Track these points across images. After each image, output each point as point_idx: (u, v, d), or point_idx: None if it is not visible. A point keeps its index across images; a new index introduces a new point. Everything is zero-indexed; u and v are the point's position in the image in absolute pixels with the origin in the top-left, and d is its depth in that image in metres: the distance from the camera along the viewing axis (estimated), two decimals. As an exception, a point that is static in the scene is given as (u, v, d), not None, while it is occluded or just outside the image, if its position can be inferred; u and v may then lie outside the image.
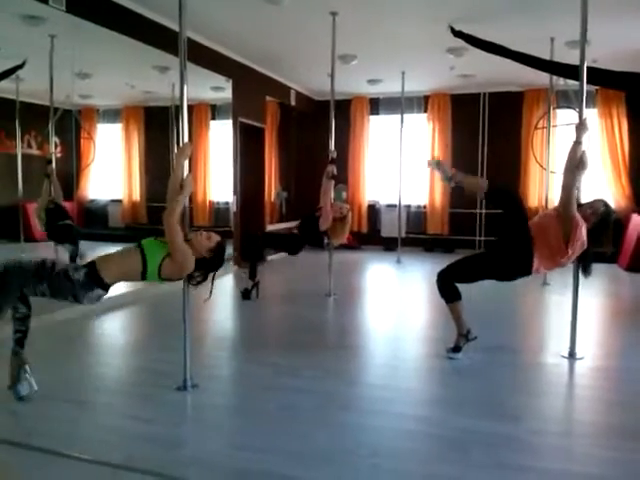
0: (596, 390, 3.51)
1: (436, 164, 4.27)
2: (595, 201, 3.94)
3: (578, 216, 3.75)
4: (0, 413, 2.98)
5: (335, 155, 6.15)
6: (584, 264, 3.93)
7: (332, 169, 6.00)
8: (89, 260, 3.13)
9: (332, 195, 6.07)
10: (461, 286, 4.04)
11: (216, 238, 3.30)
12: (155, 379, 3.53)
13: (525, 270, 3.89)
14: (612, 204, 9.18)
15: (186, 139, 3.37)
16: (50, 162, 6.16)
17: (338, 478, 2.38)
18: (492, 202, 4.29)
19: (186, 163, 3.35)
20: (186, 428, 2.92)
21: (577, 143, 3.89)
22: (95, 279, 3.02)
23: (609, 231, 3.91)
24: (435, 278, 4.11)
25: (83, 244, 6.41)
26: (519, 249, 3.85)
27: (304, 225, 6.04)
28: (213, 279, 3.34)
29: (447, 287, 4.04)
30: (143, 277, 3.15)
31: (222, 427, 2.92)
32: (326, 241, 6.14)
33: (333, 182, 6.01)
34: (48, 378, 3.35)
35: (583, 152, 3.85)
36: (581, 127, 3.92)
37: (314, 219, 5.93)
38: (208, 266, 3.29)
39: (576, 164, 3.83)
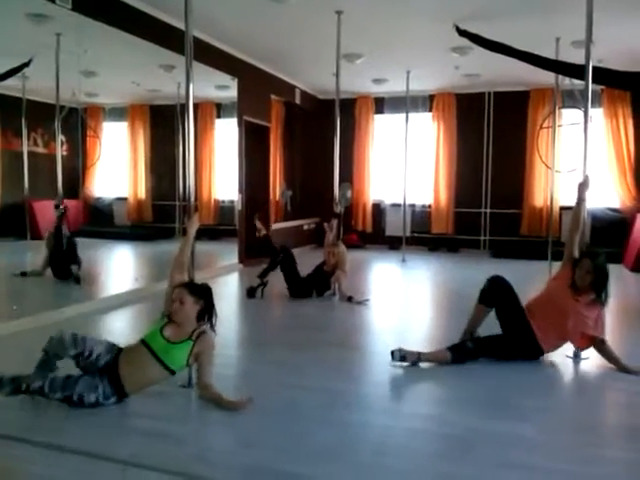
0: (602, 390, 3.52)
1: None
2: (582, 260, 3.86)
3: (578, 306, 3.77)
4: (10, 409, 2.99)
5: (341, 210, 6.50)
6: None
7: (334, 224, 6.30)
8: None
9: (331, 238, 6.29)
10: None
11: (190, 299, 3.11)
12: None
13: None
14: (617, 204, 9.22)
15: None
16: (58, 207, 6.08)
17: (343, 476, 2.39)
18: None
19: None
20: (192, 425, 2.93)
21: (581, 201, 3.99)
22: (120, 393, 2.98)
23: (607, 279, 3.84)
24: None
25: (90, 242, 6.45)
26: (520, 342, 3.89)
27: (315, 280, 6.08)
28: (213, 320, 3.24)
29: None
30: (161, 362, 3.02)
31: (227, 424, 2.92)
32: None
33: (334, 234, 6.28)
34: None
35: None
36: (584, 185, 4.01)
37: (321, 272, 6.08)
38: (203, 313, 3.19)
39: (579, 222, 3.95)
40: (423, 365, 3.82)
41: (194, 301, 3.12)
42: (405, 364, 3.78)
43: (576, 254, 3.96)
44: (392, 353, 3.79)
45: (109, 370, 2.97)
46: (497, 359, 3.86)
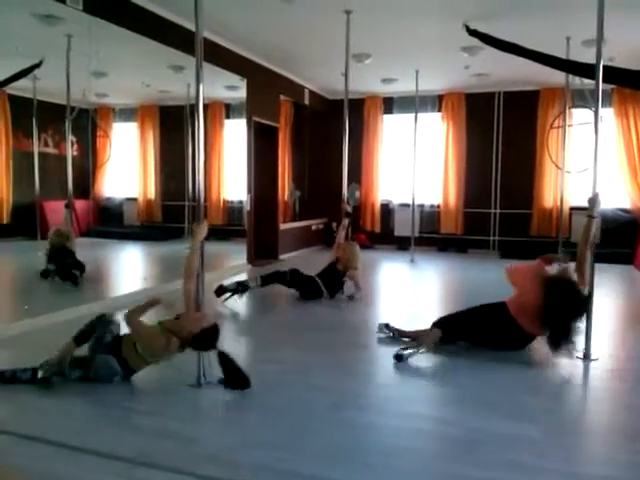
0: (611, 392, 3.49)
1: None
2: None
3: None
4: (20, 409, 3.01)
5: (350, 209, 6.45)
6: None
7: (346, 222, 6.33)
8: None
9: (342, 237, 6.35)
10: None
11: (201, 324, 3.23)
12: (169, 376, 3.55)
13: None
14: (628, 204, 9.14)
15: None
16: (68, 206, 6.13)
17: (350, 477, 2.39)
18: None
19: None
20: (200, 424, 2.93)
21: (592, 218, 3.97)
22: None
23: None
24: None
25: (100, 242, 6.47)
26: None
27: (327, 277, 6.04)
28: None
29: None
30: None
31: (236, 424, 2.93)
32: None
33: (345, 233, 6.35)
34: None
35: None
36: (594, 201, 3.99)
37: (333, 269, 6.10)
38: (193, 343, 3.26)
39: (592, 238, 3.94)
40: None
41: (195, 333, 3.21)
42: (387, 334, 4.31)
43: (587, 268, 3.95)
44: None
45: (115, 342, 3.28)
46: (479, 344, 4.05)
